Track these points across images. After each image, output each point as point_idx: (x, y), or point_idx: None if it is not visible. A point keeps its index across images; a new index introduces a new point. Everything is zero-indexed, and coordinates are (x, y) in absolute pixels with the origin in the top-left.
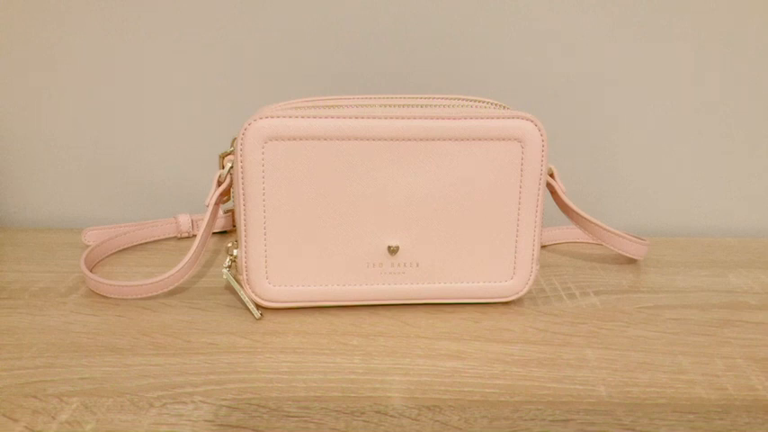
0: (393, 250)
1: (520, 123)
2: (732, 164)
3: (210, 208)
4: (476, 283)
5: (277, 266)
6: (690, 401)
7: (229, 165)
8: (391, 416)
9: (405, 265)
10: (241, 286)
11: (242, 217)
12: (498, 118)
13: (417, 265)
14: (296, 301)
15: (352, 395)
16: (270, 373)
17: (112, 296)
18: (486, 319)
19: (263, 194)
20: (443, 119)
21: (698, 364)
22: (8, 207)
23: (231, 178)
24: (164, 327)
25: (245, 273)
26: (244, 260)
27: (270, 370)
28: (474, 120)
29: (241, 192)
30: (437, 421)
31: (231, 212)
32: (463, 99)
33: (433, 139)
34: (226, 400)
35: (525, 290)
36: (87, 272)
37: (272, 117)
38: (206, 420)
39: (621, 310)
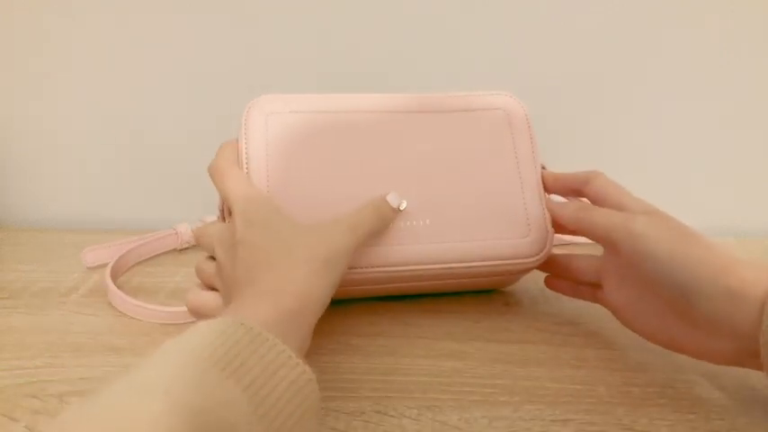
0: (401, 207)
1: (498, 96)
2: (732, 164)
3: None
4: (490, 241)
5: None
6: (690, 401)
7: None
8: (391, 416)
9: (414, 222)
10: None
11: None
12: (479, 95)
13: (427, 222)
14: None
15: (353, 395)
16: None
17: (150, 320)
18: (486, 319)
19: (267, 163)
20: (432, 95)
21: (698, 364)
22: (8, 207)
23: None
24: (164, 326)
25: None
26: None
27: None
28: (459, 96)
29: (245, 167)
30: (437, 421)
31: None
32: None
33: (426, 111)
34: None
35: (545, 252)
36: (125, 296)
37: (274, 95)
38: None
39: None
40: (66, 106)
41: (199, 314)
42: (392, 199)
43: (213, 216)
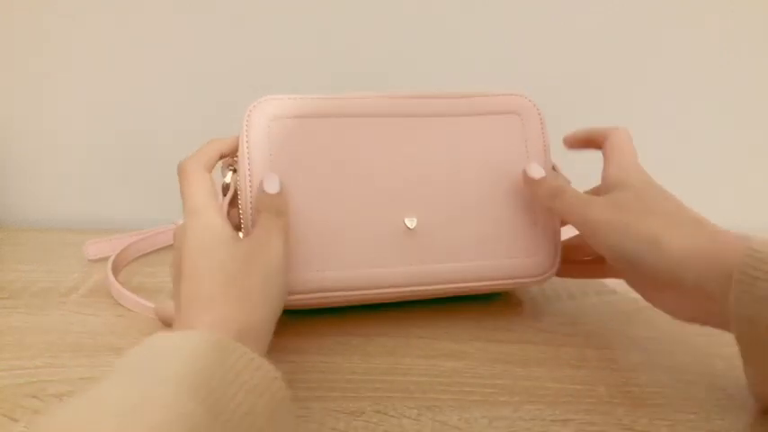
0: (410, 226)
1: (515, 99)
2: (732, 164)
3: None
4: (498, 260)
5: (290, 251)
6: (690, 401)
7: (230, 171)
8: (391, 416)
9: (424, 241)
10: None
11: (248, 202)
12: (495, 95)
13: (437, 241)
14: (313, 292)
15: (353, 395)
16: None
17: (152, 316)
18: (486, 319)
19: (271, 170)
20: (445, 97)
21: (698, 364)
22: (8, 207)
23: (236, 186)
24: (164, 327)
25: None
26: None
27: None
28: (474, 98)
29: (247, 174)
30: (437, 421)
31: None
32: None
33: (438, 116)
34: None
35: (554, 269)
36: (127, 291)
37: (277, 97)
38: None
39: (621, 310)
40: (66, 106)
41: (167, 324)
42: (269, 186)
43: None
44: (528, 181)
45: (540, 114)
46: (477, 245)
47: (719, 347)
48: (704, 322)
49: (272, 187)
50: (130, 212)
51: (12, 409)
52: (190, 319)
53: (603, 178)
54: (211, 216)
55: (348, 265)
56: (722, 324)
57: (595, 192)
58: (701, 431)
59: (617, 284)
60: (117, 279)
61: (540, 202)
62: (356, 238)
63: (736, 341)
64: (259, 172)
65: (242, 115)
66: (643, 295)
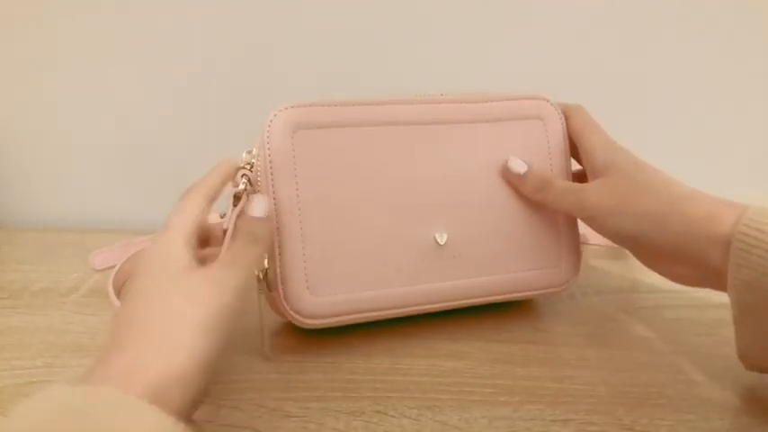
0: (440, 241)
1: (537, 102)
2: (732, 166)
3: (230, 234)
4: (522, 273)
5: (319, 272)
6: (690, 401)
7: (244, 178)
8: (391, 416)
9: (453, 257)
10: (272, 305)
11: (272, 219)
12: (517, 99)
13: (467, 257)
14: (342, 315)
15: (353, 395)
16: (270, 373)
17: None
18: (486, 318)
19: (297, 189)
20: (468, 102)
21: (698, 364)
22: (8, 207)
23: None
24: None
25: (279, 286)
26: (278, 271)
27: (270, 370)
28: (496, 102)
29: (271, 189)
30: (437, 421)
31: None
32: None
33: (464, 122)
34: (226, 400)
35: (575, 278)
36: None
37: (298, 106)
38: (207, 420)
39: (621, 310)
40: (66, 106)
41: None
42: (255, 209)
43: (216, 216)
44: (511, 176)
45: (561, 118)
46: (506, 258)
47: (719, 347)
48: (704, 286)
49: (257, 210)
50: (130, 212)
51: (12, 409)
52: (111, 351)
53: (589, 162)
54: (173, 239)
55: (378, 285)
56: (720, 287)
57: (580, 174)
58: (701, 431)
59: (617, 284)
60: (120, 287)
61: (527, 195)
62: (387, 256)
63: (731, 305)
64: (285, 190)
65: (241, 114)
66: (645, 264)
